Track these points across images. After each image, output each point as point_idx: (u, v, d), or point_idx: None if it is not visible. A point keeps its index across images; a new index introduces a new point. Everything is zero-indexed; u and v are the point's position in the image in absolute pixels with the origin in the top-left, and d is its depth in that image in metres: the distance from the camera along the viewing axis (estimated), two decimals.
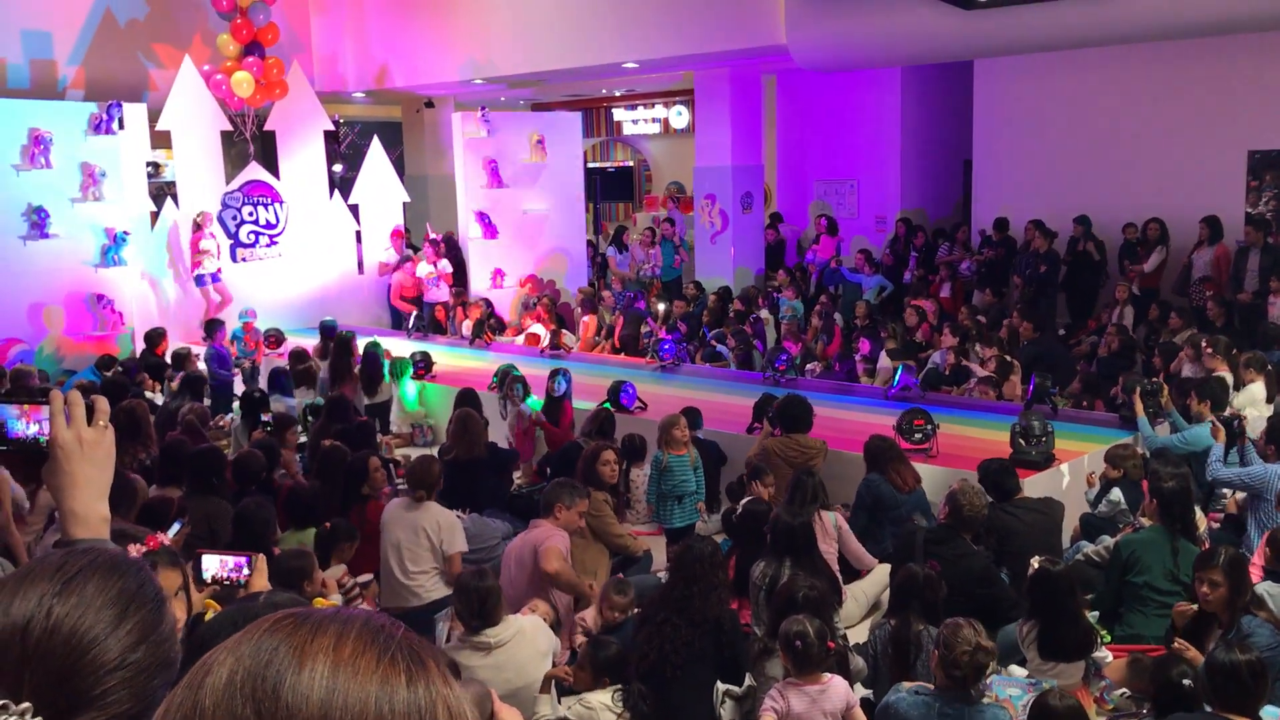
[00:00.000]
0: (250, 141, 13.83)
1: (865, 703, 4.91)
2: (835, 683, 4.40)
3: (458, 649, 4.64)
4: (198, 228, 13.11)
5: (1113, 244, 12.47)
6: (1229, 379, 8.09)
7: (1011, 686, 4.49)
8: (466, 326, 13.09)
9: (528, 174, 14.76)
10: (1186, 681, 4.06)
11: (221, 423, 9.82)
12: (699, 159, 15.37)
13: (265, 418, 8.37)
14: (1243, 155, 12.19)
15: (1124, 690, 5.14)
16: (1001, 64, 13.67)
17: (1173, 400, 7.51)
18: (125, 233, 12.58)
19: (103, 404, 1.78)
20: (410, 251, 14.87)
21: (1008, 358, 9.79)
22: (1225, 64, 11.98)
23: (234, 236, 13.68)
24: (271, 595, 3.17)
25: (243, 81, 13.22)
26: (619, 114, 21.48)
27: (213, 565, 3.56)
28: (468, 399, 8.61)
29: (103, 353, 11.76)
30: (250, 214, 13.77)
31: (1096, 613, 5.62)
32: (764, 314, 12.88)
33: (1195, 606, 4.93)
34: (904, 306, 12.42)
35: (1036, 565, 4.87)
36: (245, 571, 3.50)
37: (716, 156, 14.97)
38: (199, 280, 13.13)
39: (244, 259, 13.78)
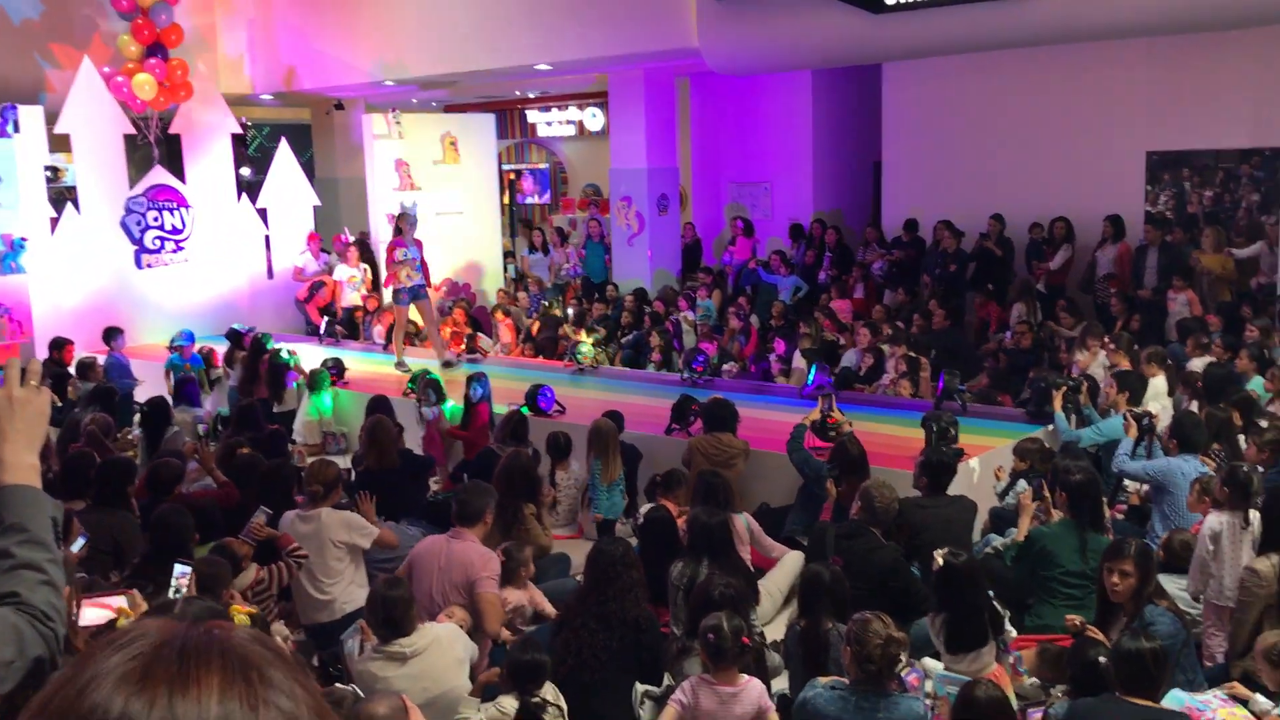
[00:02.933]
0: (154, 145, 13.50)
1: (782, 698, 4.95)
2: (750, 686, 4.41)
3: (372, 659, 4.56)
4: (398, 231, 11.09)
5: (1020, 243, 12.75)
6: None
7: (951, 684, 4.55)
8: (379, 332, 12.92)
9: (441, 176, 14.62)
10: (1103, 659, 4.16)
11: (130, 435, 9.55)
12: (614, 161, 15.36)
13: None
14: (1141, 156, 12.56)
15: (1034, 680, 5.25)
16: (909, 67, 13.89)
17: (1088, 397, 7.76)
18: (23, 239, 12.19)
19: (35, 365, 1.94)
20: (331, 258, 14.65)
21: (912, 354, 9.96)
22: (1124, 67, 12.32)
23: (139, 242, 13.32)
24: (185, 606, 3.10)
25: (145, 84, 12.89)
26: (533, 116, 21.39)
27: (91, 615, 3.42)
28: (379, 406, 8.49)
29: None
30: (155, 219, 13.43)
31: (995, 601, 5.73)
32: (686, 315, 12.92)
33: (1080, 619, 5.04)
34: (818, 307, 12.58)
35: (940, 559, 4.95)
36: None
37: (632, 159, 14.98)
38: (397, 297, 11.21)
39: (149, 265, 13.44)
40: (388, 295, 14.09)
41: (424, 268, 11.18)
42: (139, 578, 4.89)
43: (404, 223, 10.96)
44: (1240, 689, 4.47)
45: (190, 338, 11.17)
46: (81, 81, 12.73)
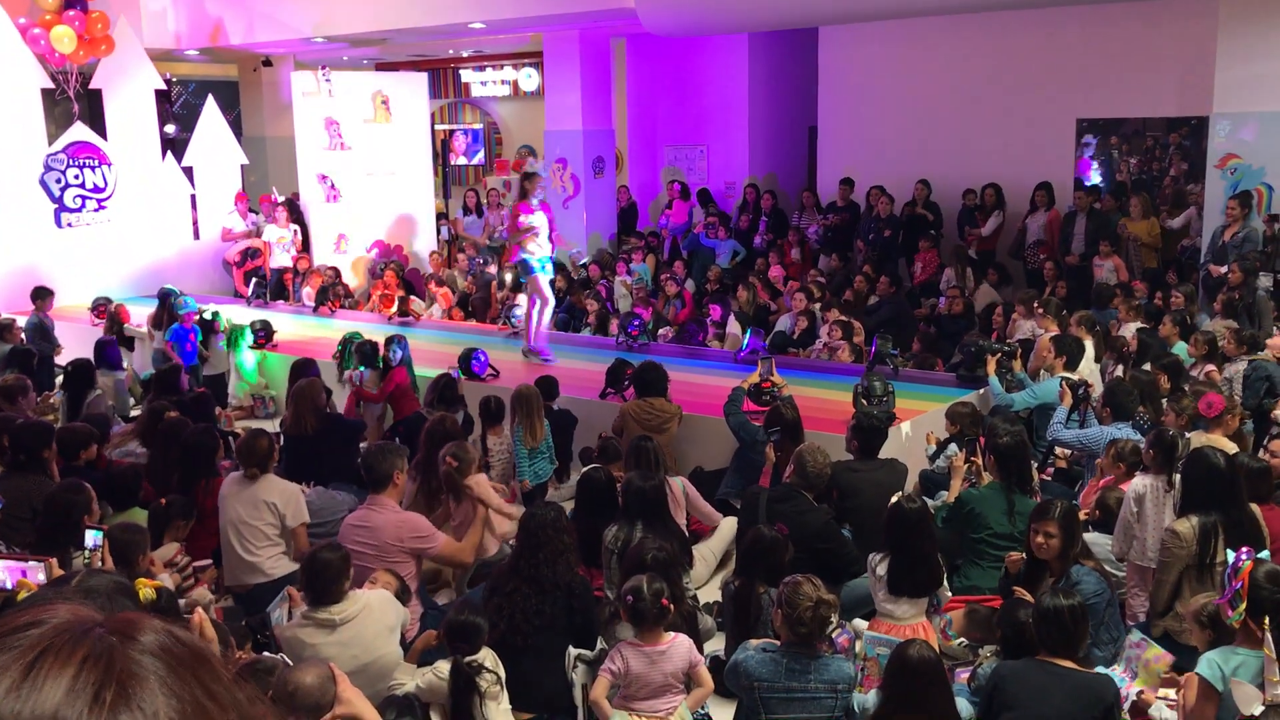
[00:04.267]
0: (74, 100, 13.08)
1: (716, 660, 4.97)
2: (677, 643, 4.43)
3: (300, 626, 4.49)
4: (523, 194, 9.12)
5: (952, 209, 12.86)
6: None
7: (881, 646, 4.60)
8: (308, 294, 12.70)
9: (372, 136, 14.36)
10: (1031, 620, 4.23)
11: (52, 399, 9.31)
12: (549, 123, 15.21)
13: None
14: (1072, 123, 12.70)
15: (962, 640, 5.33)
16: (845, 32, 13.89)
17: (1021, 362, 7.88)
18: None
19: None
20: (259, 219, 14.35)
21: (844, 318, 10.01)
22: (1055, 35, 12.43)
23: (58, 201, 12.94)
24: (86, 579, 2.99)
25: (63, 36, 12.47)
26: (467, 75, 21.09)
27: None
28: (304, 369, 8.31)
29: None
30: (76, 177, 13.05)
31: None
32: (624, 279, 12.85)
33: (1024, 555, 5.15)
34: (753, 272, 12.59)
35: (894, 500, 5.04)
36: (40, 579, 3.28)
37: (567, 120, 14.84)
38: (525, 269, 9.23)
39: (70, 224, 13.06)
40: (316, 259, 13.82)
41: (553, 238, 9.56)
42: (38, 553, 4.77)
43: (530, 184, 9.17)
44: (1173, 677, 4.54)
45: (190, 305, 10.30)
46: None
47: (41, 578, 3.29)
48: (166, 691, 0.84)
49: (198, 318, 10.07)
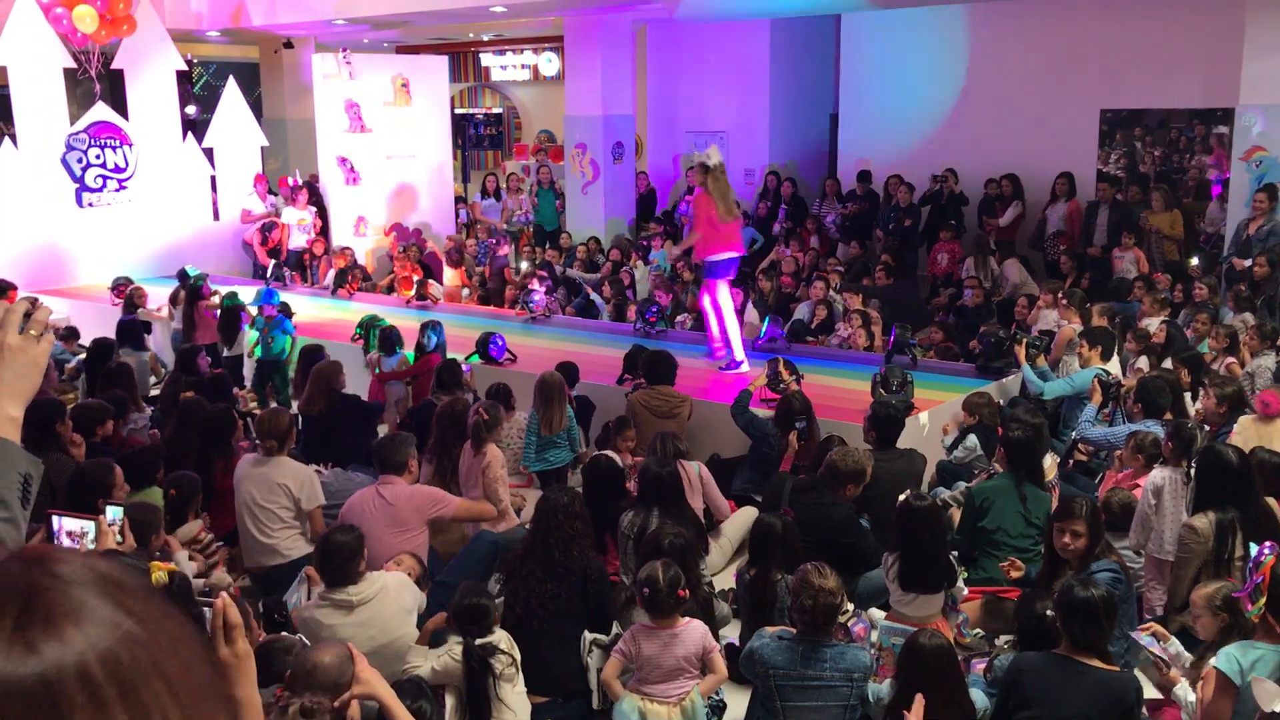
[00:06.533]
0: (96, 80, 13.11)
1: (731, 647, 4.98)
2: (691, 627, 4.43)
3: (318, 607, 4.51)
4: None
5: (973, 199, 12.79)
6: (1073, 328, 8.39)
7: (896, 635, 4.59)
8: (329, 276, 12.72)
9: (392, 119, 14.35)
10: (1050, 613, 4.19)
11: (70, 366, 9.42)
12: (569, 107, 15.18)
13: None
14: (1095, 114, 12.61)
15: (978, 630, 5.32)
16: (867, 19, 13.81)
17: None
18: None
19: (41, 314, 1.78)
20: (278, 201, 14.37)
21: (863, 308, 9.96)
22: (1080, 25, 12.33)
23: (80, 180, 12.98)
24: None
25: (85, 16, 12.48)
26: (487, 59, 21.07)
27: (65, 527, 3.43)
28: (313, 355, 8.30)
29: None
30: (97, 157, 13.09)
31: (955, 553, 5.77)
32: (639, 266, 12.81)
33: (1021, 565, 5.13)
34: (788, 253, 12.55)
35: (902, 499, 5.00)
36: (90, 539, 3.34)
37: (587, 105, 14.80)
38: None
39: (91, 204, 13.11)
40: (336, 241, 13.82)
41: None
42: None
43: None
44: (1159, 629, 4.50)
45: (271, 297, 10.14)
46: (18, 13, 12.29)
47: (91, 540, 3.38)
48: (103, 622, 0.84)
49: (220, 299, 10.09)
